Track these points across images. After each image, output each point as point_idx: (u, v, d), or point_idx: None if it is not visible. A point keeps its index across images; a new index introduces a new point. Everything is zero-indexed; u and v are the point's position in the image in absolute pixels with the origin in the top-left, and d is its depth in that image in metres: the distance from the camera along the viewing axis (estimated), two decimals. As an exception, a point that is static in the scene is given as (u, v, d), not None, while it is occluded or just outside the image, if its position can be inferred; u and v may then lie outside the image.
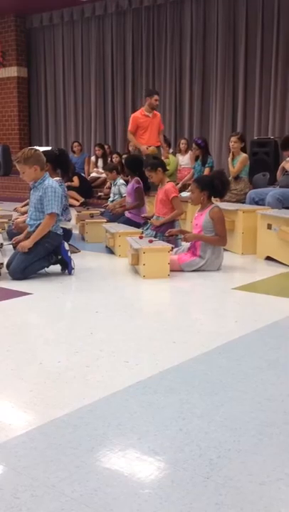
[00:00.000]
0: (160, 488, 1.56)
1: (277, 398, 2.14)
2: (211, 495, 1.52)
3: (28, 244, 4.20)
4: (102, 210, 7.01)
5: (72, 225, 5.69)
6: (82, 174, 9.98)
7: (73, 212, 6.39)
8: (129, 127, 7.76)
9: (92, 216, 6.41)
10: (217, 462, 1.69)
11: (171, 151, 9.59)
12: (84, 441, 1.82)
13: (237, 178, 6.88)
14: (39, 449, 1.78)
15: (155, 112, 7.72)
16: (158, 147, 7.72)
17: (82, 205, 8.76)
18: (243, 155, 6.91)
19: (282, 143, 6.10)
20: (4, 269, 4.27)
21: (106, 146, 10.77)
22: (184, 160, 9.46)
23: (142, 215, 5.89)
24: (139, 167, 6.35)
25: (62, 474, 1.63)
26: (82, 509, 1.47)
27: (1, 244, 4.78)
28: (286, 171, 5.80)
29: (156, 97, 7.63)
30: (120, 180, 7.18)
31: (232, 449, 1.77)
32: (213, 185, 4.51)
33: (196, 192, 4.53)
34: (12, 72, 13.23)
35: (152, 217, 5.48)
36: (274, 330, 3.02)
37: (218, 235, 4.45)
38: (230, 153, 7.01)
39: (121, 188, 7.06)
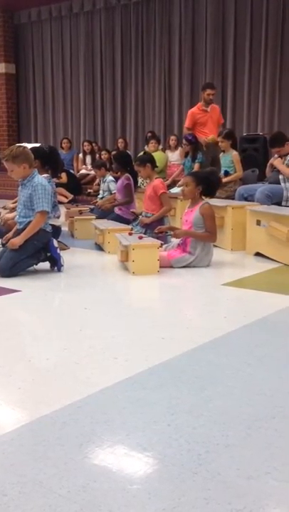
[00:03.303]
0: (148, 483, 1.56)
1: (265, 393, 2.15)
2: (200, 490, 1.53)
3: (18, 241, 4.18)
4: (92, 207, 6.99)
5: (61, 221, 5.67)
6: (71, 171, 9.95)
7: (62, 209, 6.38)
8: (186, 123, 7.55)
9: (81, 213, 6.39)
10: (205, 457, 1.69)
11: (160, 147, 9.57)
12: (72, 437, 1.81)
13: (227, 174, 6.90)
14: (27, 446, 1.77)
15: (213, 105, 7.55)
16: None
17: (70, 202, 8.73)
18: (234, 153, 6.92)
19: (270, 140, 6.12)
20: (-8, 267, 4.24)
21: (94, 144, 10.74)
22: (174, 156, 9.45)
23: (131, 210, 5.88)
24: (128, 163, 6.34)
25: (50, 471, 1.62)
26: (70, 505, 1.46)
27: None
28: (275, 168, 5.81)
29: (208, 91, 7.40)
30: (109, 177, 7.16)
31: (220, 443, 1.77)
32: (209, 182, 4.51)
33: (192, 186, 4.51)
34: (0, 68, 13.14)
35: (141, 214, 5.47)
36: (263, 325, 3.03)
37: (209, 232, 4.46)
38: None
39: (110, 184, 7.04)
